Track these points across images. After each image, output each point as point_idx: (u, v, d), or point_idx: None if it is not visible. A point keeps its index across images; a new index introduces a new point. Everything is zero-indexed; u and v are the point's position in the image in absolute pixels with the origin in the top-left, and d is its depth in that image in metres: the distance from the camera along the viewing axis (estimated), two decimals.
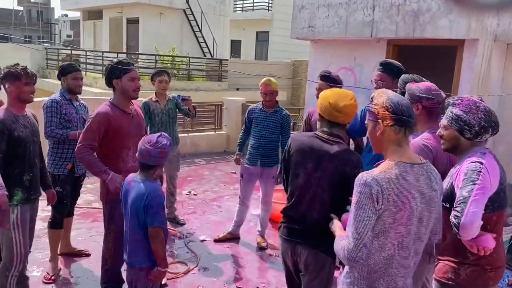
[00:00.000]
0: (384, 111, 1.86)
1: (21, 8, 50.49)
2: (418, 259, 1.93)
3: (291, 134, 2.44)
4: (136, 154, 2.59)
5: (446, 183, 2.22)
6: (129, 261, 2.65)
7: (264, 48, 25.39)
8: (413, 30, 4.41)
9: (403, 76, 2.92)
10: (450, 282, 2.22)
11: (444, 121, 2.28)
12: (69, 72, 3.83)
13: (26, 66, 2.96)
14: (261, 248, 4.61)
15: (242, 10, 26.62)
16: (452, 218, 2.06)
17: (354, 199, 1.81)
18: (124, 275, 3.08)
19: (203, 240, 4.76)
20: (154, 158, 2.53)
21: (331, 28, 5.13)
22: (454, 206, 2.07)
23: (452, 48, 4.43)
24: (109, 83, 3.17)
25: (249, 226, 5.10)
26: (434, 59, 5.84)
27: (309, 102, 4.22)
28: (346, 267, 1.95)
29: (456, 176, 2.16)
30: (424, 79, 2.87)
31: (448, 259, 2.25)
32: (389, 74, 3.30)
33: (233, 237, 4.79)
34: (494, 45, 4.35)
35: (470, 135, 2.17)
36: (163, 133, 2.61)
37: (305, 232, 2.43)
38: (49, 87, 15.89)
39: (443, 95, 2.62)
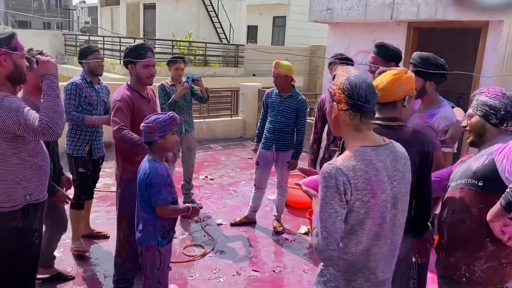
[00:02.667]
0: (340, 94, 1.71)
1: None
2: (397, 249, 1.80)
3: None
4: None
5: (482, 161, 2.03)
6: (138, 239, 2.70)
7: (281, 33, 25.14)
8: (435, 12, 4.29)
9: (418, 53, 2.85)
10: (464, 280, 2.07)
11: (469, 110, 2.20)
12: (90, 53, 3.86)
13: (41, 51, 2.92)
14: (277, 233, 4.62)
15: None
16: (507, 198, 1.80)
17: (320, 194, 1.67)
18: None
19: (219, 224, 4.78)
20: (145, 134, 2.61)
21: (350, 11, 5.02)
22: (510, 186, 1.82)
23: (476, 31, 4.29)
24: (126, 67, 3.22)
25: (266, 211, 5.10)
26: (456, 42, 5.68)
27: (326, 88, 4.15)
28: (320, 265, 1.83)
29: (500, 153, 1.95)
30: (440, 58, 2.80)
31: (460, 252, 2.09)
32: (383, 57, 3.20)
33: (249, 221, 4.81)
34: None
35: (495, 120, 2.08)
36: (169, 112, 2.64)
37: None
38: (68, 73, 16.06)
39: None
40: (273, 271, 3.86)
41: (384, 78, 2.20)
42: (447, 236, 2.17)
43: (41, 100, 2.97)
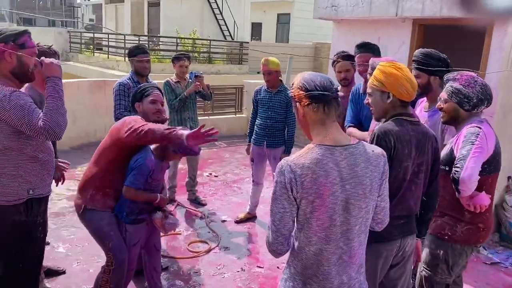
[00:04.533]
0: (299, 92, 1.73)
1: None
2: (355, 256, 1.72)
3: (380, 125, 2.19)
4: None
5: (445, 150, 2.48)
6: (116, 209, 2.86)
7: (285, 30, 25.08)
8: (440, 8, 4.28)
9: (420, 49, 2.89)
10: (446, 238, 2.49)
11: (444, 94, 2.50)
12: (134, 55, 3.97)
13: (50, 46, 2.96)
14: None
15: None
16: (452, 174, 2.32)
17: (273, 189, 1.68)
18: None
19: (224, 221, 4.80)
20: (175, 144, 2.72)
21: (354, 8, 5.01)
22: (455, 164, 2.33)
23: (481, 28, 4.28)
24: (132, 106, 3.04)
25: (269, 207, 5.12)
26: (461, 39, 5.66)
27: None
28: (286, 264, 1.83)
29: (456, 141, 2.42)
30: (441, 53, 2.81)
31: (446, 217, 2.49)
32: (373, 53, 3.30)
33: (252, 217, 4.85)
34: None
35: (468, 107, 2.42)
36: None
37: (411, 222, 2.30)
38: (73, 70, 16.11)
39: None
40: (277, 267, 3.87)
41: (413, 77, 2.21)
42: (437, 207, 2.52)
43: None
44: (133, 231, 2.85)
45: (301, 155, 1.66)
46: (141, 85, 3.20)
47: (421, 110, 2.97)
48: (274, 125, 4.45)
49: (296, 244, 1.72)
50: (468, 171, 2.25)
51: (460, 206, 2.44)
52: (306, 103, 1.71)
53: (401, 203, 2.20)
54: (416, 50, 2.91)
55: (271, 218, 1.69)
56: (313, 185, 1.61)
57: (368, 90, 2.29)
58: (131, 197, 2.77)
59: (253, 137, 4.64)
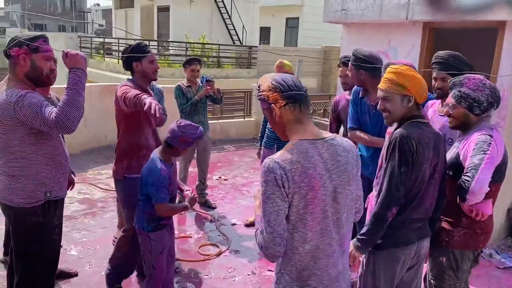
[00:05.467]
0: (273, 93, 1.72)
1: None
2: (345, 243, 1.77)
3: (399, 129, 2.18)
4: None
5: (452, 153, 2.42)
6: (134, 222, 2.89)
7: (294, 34, 25.11)
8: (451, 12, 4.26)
9: (440, 52, 2.90)
10: (444, 244, 2.44)
11: (451, 100, 2.42)
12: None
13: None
14: None
15: None
16: (462, 182, 2.23)
17: (261, 190, 1.65)
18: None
19: (233, 224, 4.81)
20: (174, 138, 2.70)
21: (364, 11, 5.00)
22: (465, 172, 2.24)
23: (493, 31, 4.25)
24: (128, 65, 3.14)
25: None
26: (471, 42, 5.63)
27: (341, 89, 4.15)
28: (276, 272, 1.79)
29: (464, 147, 2.35)
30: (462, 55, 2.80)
31: (444, 221, 2.45)
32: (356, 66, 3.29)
33: None
34: None
35: (479, 111, 2.35)
36: (200, 127, 2.77)
37: (426, 225, 2.33)
38: None
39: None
40: None
41: (422, 79, 2.22)
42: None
43: (48, 95, 3.07)
44: (157, 238, 2.83)
45: (286, 152, 1.66)
46: (137, 43, 3.18)
47: (434, 113, 2.95)
48: None
49: (288, 247, 1.69)
50: (479, 182, 2.17)
51: (457, 211, 2.38)
52: (282, 104, 1.71)
53: (419, 206, 2.22)
54: (437, 53, 2.89)
55: (265, 220, 1.64)
56: (304, 178, 1.62)
57: (385, 95, 2.25)
58: (166, 213, 2.80)
59: (264, 140, 4.65)
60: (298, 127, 1.73)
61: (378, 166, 2.39)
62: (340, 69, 3.76)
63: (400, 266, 2.26)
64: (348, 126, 3.46)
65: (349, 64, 3.32)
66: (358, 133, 3.36)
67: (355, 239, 2.25)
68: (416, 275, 2.39)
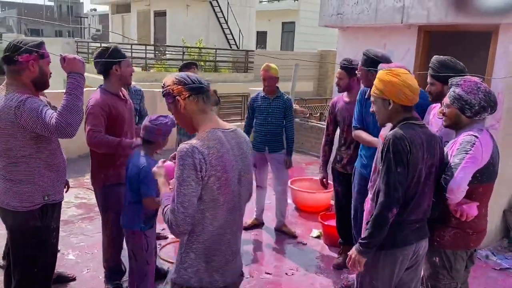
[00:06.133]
0: (177, 86, 1.88)
1: (51, 3, 51.71)
2: (242, 221, 2.02)
3: (392, 130, 2.22)
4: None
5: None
6: (123, 223, 2.93)
7: (290, 38, 25.21)
8: (445, 15, 4.30)
9: (437, 57, 2.90)
10: (436, 244, 2.46)
11: (446, 99, 2.47)
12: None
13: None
14: (292, 236, 4.64)
15: (268, 1, 26.50)
16: (441, 181, 2.29)
17: (177, 173, 1.78)
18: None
19: None
20: (150, 134, 2.80)
21: (360, 15, 5.04)
22: (446, 171, 2.30)
23: (486, 34, 4.29)
24: (106, 69, 3.08)
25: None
26: (466, 45, 5.68)
27: (337, 93, 4.19)
28: (180, 253, 1.91)
29: (452, 147, 2.39)
30: (458, 61, 2.83)
31: (434, 222, 2.43)
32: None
33: (259, 223, 4.86)
34: None
35: (470, 113, 2.37)
36: (169, 115, 2.70)
37: (424, 225, 2.36)
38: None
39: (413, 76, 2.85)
40: (286, 274, 3.88)
41: (414, 81, 2.26)
42: None
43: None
44: (151, 234, 2.96)
45: (203, 139, 1.83)
46: (112, 48, 3.12)
47: (434, 115, 2.98)
48: (275, 130, 4.54)
49: (198, 226, 1.84)
50: (457, 180, 2.22)
51: (447, 211, 2.40)
52: (186, 95, 1.88)
53: (417, 207, 2.25)
54: (433, 57, 2.92)
55: (178, 200, 1.76)
56: (219, 162, 1.81)
57: (371, 99, 2.35)
58: (154, 207, 2.85)
59: (253, 144, 4.66)
60: (204, 117, 1.91)
61: (372, 170, 2.41)
62: (338, 71, 3.79)
63: (398, 266, 2.29)
64: (352, 125, 3.54)
65: (359, 64, 3.40)
66: (358, 132, 3.46)
67: (357, 244, 2.26)
68: (416, 275, 2.41)
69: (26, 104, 2.29)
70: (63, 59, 2.40)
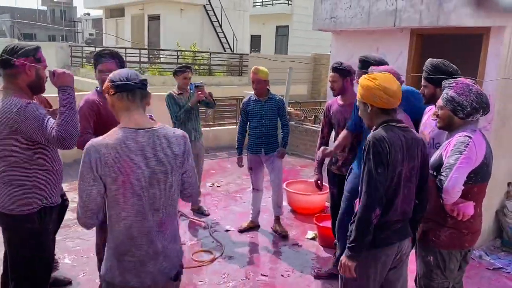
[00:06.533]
0: (107, 84, 1.95)
1: (45, 8, 51.53)
2: (164, 224, 1.95)
3: (372, 132, 2.28)
4: None
5: (436, 155, 2.50)
6: None
7: (284, 42, 25.30)
8: (437, 18, 4.35)
9: (430, 60, 2.94)
10: (431, 243, 2.51)
11: (440, 101, 2.52)
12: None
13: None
14: (283, 237, 4.67)
15: (262, 5, 26.58)
16: (437, 182, 2.35)
17: (80, 167, 1.83)
18: None
19: (227, 230, 4.83)
20: None
21: (353, 19, 5.09)
22: (441, 171, 2.34)
23: (478, 37, 4.35)
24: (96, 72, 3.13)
25: (273, 216, 5.14)
26: (459, 48, 5.75)
27: (330, 96, 4.23)
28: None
29: (446, 147, 2.42)
30: (451, 64, 2.87)
31: (430, 222, 2.51)
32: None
33: (254, 225, 4.87)
34: None
35: (462, 114, 2.41)
36: None
37: (407, 226, 2.39)
38: (75, 84, 16.17)
39: (402, 79, 2.94)
40: (282, 275, 3.90)
41: (393, 84, 2.29)
42: None
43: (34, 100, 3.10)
44: None
45: (107, 136, 1.86)
46: (102, 49, 3.21)
47: (428, 117, 3.03)
48: (269, 132, 4.59)
49: (109, 224, 1.91)
50: (452, 181, 2.26)
51: (443, 211, 2.43)
52: (112, 93, 1.92)
53: (397, 208, 2.28)
54: (427, 60, 2.96)
55: (79, 194, 1.85)
56: (115, 163, 1.80)
57: (357, 103, 2.45)
58: None
59: (249, 146, 4.70)
60: (125, 114, 1.92)
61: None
62: (331, 74, 3.82)
63: (381, 266, 2.33)
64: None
65: (356, 70, 3.45)
66: (341, 133, 3.62)
67: (346, 249, 2.28)
68: (401, 275, 2.46)
69: (28, 110, 2.31)
70: (53, 74, 2.44)
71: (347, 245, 2.28)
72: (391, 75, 2.38)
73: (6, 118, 2.31)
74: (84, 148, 1.83)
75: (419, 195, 2.40)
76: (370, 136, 2.25)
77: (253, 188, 4.84)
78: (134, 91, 1.92)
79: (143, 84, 1.96)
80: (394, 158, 2.19)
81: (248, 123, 4.69)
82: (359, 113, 2.46)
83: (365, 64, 3.30)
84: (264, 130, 4.57)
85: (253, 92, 4.68)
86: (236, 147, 4.90)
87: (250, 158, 4.71)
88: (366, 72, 3.20)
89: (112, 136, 1.85)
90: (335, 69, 3.76)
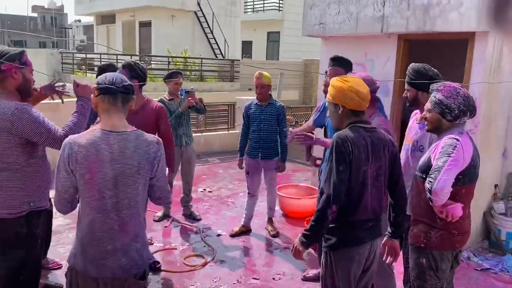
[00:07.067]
0: (93, 86, 2.10)
1: (35, 14, 51.34)
2: (127, 224, 2.04)
3: (337, 132, 2.35)
4: None
5: (424, 157, 2.56)
6: None
7: (275, 48, 25.44)
8: (423, 24, 4.44)
9: (413, 64, 3.02)
10: (423, 245, 2.55)
11: (428, 105, 2.58)
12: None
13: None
14: (273, 236, 4.76)
15: (253, 11, 26.72)
16: (426, 184, 2.39)
17: (58, 162, 1.98)
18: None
19: (219, 235, 4.85)
20: None
21: (341, 25, 5.17)
22: (429, 174, 2.38)
23: (463, 41, 4.45)
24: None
25: (264, 220, 5.17)
26: (445, 53, 5.85)
27: (322, 100, 4.29)
28: None
29: (434, 150, 2.47)
30: (432, 68, 2.95)
31: (420, 224, 2.56)
32: (344, 68, 3.52)
33: (246, 230, 4.90)
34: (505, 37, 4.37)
35: (450, 117, 2.47)
36: None
37: (378, 225, 2.46)
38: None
39: (378, 84, 3.01)
40: (273, 278, 3.93)
41: (363, 87, 2.38)
42: (412, 215, 2.64)
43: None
44: None
45: (83, 135, 2.00)
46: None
47: (413, 121, 3.10)
48: (268, 137, 4.63)
49: (79, 213, 2.06)
50: (440, 183, 2.30)
51: (433, 213, 2.47)
52: (96, 94, 2.05)
53: (366, 207, 2.35)
54: (410, 65, 3.05)
55: (55, 184, 2.02)
56: (84, 161, 1.93)
57: (327, 104, 2.53)
58: None
59: (248, 150, 4.75)
60: (104, 116, 2.04)
61: None
62: (325, 78, 3.87)
63: (355, 265, 2.39)
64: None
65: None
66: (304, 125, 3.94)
67: (300, 234, 2.38)
68: (372, 274, 2.53)
69: (24, 112, 2.37)
70: (76, 85, 2.60)
71: (303, 231, 2.37)
72: (360, 79, 2.47)
73: (1, 120, 2.34)
74: (64, 143, 1.98)
75: (393, 195, 2.48)
76: (335, 136, 2.34)
77: (248, 193, 4.87)
78: (116, 95, 2.03)
79: (126, 89, 2.06)
80: (358, 158, 2.26)
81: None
82: (328, 114, 2.53)
83: (338, 61, 3.52)
84: (262, 135, 4.63)
85: (254, 97, 4.76)
86: (238, 149, 4.95)
87: (248, 162, 4.77)
88: (339, 70, 3.39)
89: (86, 135, 1.99)
90: (334, 60, 3.78)
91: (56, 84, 3.11)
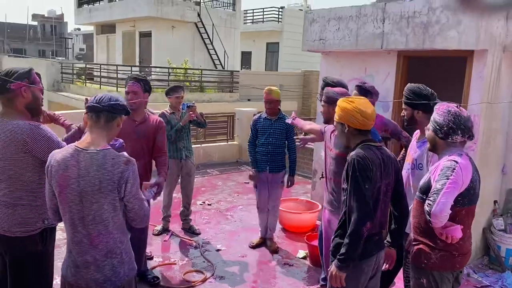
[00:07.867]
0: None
1: (35, 23, 51.51)
2: (98, 240, 2.10)
3: (353, 152, 2.46)
4: None
5: (425, 178, 2.57)
6: None
7: (274, 59, 25.57)
8: (422, 41, 4.48)
9: (409, 85, 3.15)
10: (423, 265, 2.55)
11: (428, 124, 2.64)
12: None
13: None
14: (273, 251, 4.76)
15: (253, 22, 26.90)
16: (425, 207, 2.40)
17: None
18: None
19: (218, 250, 4.84)
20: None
21: (341, 41, 5.21)
22: (428, 196, 2.40)
23: (462, 59, 4.49)
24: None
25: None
26: (444, 70, 5.89)
27: (319, 112, 4.33)
28: None
29: (434, 172, 2.48)
30: (428, 88, 3.02)
31: (421, 245, 2.56)
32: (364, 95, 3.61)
33: (265, 241, 4.96)
34: (503, 55, 4.40)
35: (441, 134, 2.49)
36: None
37: (382, 237, 2.57)
38: (64, 101, 16.18)
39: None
40: None
41: (368, 107, 2.50)
42: (413, 234, 2.65)
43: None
44: None
45: (61, 150, 2.15)
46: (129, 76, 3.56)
47: (414, 140, 3.17)
48: (276, 151, 4.67)
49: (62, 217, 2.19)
50: (439, 206, 2.31)
51: (434, 233, 2.49)
52: (85, 112, 2.22)
53: (377, 221, 2.46)
54: (406, 85, 3.15)
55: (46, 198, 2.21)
56: (56, 175, 2.08)
57: (334, 124, 2.64)
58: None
59: (256, 163, 4.77)
60: (87, 133, 2.17)
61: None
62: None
63: (364, 276, 2.49)
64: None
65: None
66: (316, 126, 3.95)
67: (335, 260, 2.40)
68: (377, 284, 2.63)
69: (39, 131, 2.41)
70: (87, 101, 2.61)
71: (338, 256, 2.39)
72: (366, 100, 2.60)
73: (16, 139, 2.37)
74: (50, 155, 2.14)
75: (397, 207, 2.59)
76: (352, 155, 2.41)
77: (258, 208, 4.91)
78: (99, 114, 2.14)
79: (112, 107, 2.15)
80: (375, 175, 2.37)
81: (257, 140, 4.78)
82: (336, 133, 2.66)
83: (326, 85, 3.59)
84: (271, 148, 4.66)
85: (264, 111, 4.80)
86: (250, 161, 4.94)
87: (256, 176, 4.78)
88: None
89: (63, 151, 2.13)
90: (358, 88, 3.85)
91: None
